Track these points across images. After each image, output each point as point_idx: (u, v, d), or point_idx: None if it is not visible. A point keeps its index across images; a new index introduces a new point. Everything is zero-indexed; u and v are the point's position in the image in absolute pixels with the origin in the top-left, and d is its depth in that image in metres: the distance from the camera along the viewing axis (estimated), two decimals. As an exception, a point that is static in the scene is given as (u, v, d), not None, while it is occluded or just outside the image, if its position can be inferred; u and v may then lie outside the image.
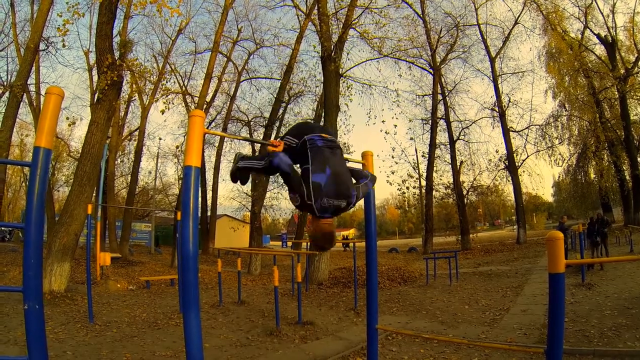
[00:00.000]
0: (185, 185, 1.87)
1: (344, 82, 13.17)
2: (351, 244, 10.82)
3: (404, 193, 20.64)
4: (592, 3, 19.11)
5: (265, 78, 20.69)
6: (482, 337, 5.03)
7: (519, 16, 19.34)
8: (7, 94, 11.41)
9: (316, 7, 12.48)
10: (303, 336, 5.49)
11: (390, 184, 19.50)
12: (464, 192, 19.91)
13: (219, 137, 20.65)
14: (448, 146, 19.93)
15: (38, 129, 1.68)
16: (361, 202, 2.48)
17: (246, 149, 22.21)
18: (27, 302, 1.55)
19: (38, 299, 1.58)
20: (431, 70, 19.77)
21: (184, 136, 19.46)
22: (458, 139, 20.05)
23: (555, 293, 1.73)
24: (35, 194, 1.62)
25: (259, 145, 15.30)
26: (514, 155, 19.42)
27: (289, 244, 25.95)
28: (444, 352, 4.46)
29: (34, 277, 1.59)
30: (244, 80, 21.22)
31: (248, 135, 19.06)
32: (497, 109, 19.65)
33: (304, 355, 4.73)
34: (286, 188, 2.46)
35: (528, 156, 19.97)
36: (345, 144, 15.71)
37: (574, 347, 4.08)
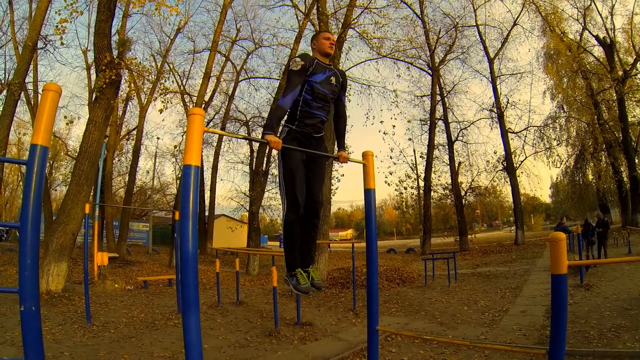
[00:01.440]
0: (185, 184, 1.81)
1: (342, 82, 13.13)
2: (342, 244, 10.80)
3: (402, 194, 20.66)
4: (590, 5, 19.15)
5: (264, 78, 20.64)
6: (482, 338, 5.02)
7: (517, 17, 19.42)
8: (4, 92, 11.33)
9: (315, 7, 12.46)
10: (302, 337, 5.46)
11: (388, 184, 19.46)
12: (462, 193, 19.92)
13: (217, 136, 20.61)
14: (446, 147, 19.96)
15: (35, 127, 1.66)
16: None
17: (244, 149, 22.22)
18: (24, 304, 1.52)
19: (34, 300, 1.55)
20: (430, 71, 19.79)
21: (182, 136, 19.40)
22: (456, 139, 20.08)
23: (557, 294, 1.71)
24: (31, 193, 1.59)
25: (257, 144, 15.28)
26: (512, 156, 19.45)
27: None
28: (444, 353, 4.44)
29: (30, 278, 1.55)
30: (242, 80, 21.19)
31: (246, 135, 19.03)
32: (495, 110, 19.67)
33: (303, 356, 4.70)
34: None
35: (526, 157, 20.04)
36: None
37: (574, 348, 4.08)
